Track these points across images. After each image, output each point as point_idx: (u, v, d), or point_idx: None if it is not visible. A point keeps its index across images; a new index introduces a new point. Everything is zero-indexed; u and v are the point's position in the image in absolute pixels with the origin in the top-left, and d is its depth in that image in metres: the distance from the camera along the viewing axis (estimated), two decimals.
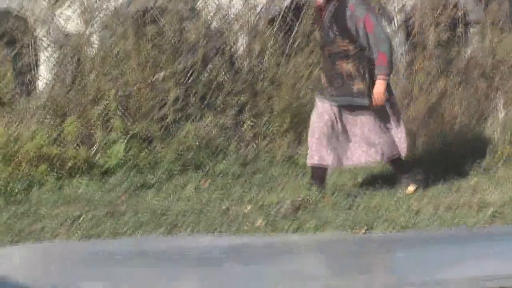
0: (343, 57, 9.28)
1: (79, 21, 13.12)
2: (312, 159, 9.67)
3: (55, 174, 10.49)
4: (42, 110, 11.62)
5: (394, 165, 9.96)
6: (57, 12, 13.28)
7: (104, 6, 13.06)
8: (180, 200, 9.86)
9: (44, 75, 12.73)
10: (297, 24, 13.30)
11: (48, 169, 10.42)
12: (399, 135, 9.67)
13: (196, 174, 10.82)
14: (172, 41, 12.47)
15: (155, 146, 11.27)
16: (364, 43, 9.18)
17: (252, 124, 11.87)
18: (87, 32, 12.88)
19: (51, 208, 9.43)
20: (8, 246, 8.12)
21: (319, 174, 9.75)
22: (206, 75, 12.34)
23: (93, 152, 10.88)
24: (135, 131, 11.25)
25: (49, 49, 12.88)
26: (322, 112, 9.44)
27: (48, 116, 11.41)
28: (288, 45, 13.17)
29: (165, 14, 12.78)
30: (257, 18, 13.46)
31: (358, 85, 9.18)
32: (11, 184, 10.08)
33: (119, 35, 12.61)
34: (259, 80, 12.61)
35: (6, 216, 9.22)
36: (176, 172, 10.81)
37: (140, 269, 7.45)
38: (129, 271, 7.35)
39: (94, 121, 11.28)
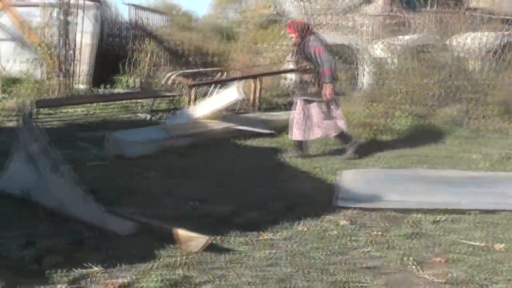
0: (304, 71, 9.04)
1: (383, 51, 13.42)
2: (291, 135, 9.33)
3: (369, 133, 10.62)
4: (363, 98, 11.96)
5: (340, 137, 9.39)
6: (373, 45, 13.67)
7: (397, 43, 13.32)
8: (437, 149, 9.78)
9: (364, 81, 13.17)
10: (504, 54, 13.12)
11: (366, 130, 10.61)
12: (339, 119, 9.20)
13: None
14: (434, 62, 12.52)
15: (424, 119, 11.34)
16: (316, 62, 8.83)
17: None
18: (389, 56, 13.18)
19: (367, 151, 9.56)
20: (345, 170, 8.23)
21: (297, 144, 9.31)
22: (449, 82, 12.27)
23: (389, 122, 11.02)
24: (412, 112, 11.38)
25: (367, 65, 13.25)
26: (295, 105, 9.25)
27: (366, 102, 11.72)
28: (498, 65, 12.98)
29: (434, 47, 12.87)
30: (481, 50, 13.34)
31: (311, 89, 8.92)
32: None
33: (407, 58, 12.78)
34: (481, 84, 12.46)
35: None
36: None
37: (413, 184, 7.41)
38: (409, 186, 7.30)
39: (390, 105, 11.46)
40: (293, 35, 9.14)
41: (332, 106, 9.13)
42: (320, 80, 8.82)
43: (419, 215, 6.16)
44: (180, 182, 7.41)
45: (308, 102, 9.04)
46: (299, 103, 9.15)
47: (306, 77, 9.01)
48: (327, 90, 8.75)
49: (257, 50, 18.63)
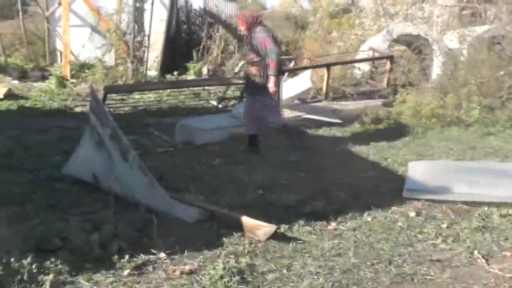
0: (251, 64, 8.51)
1: (456, 42, 13.20)
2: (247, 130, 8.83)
3: (440, 124, 10.48)
4: (434, 89, 11.76)
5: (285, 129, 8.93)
6: (444, 36, 13.44)
7: (470, 34, 13.13)
8: (508, 142, 9.41)
9: (436, 72, 13.00)
10: None
11: (436, 121, 10.47)
12: (278, 113, 8.70)
13: None
14: (509, 53, 12.18)
15: (495, 111, 11.07)
16: (263, 54, 8.33)
17: None
18: (461, 47, 12.94)
19: (437, 142, 9.38)
20: (414, 161, 7.99)
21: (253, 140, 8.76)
22: None
23: (461, 113, 10.82)
24: (483, 103, 11.12)
25: (439, 56, 13.04)
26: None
27: (437, 93, 11.51)
28: None
29: (505, 39, 12.54)
30: None
31: (257, 81, 8.39)
32: (415, 128, 10.26)
33: (478, 50, 12.49)
34: None
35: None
36: (508, 126, 10.41)
37: (483, 177, 6.96)
38: (479, 178, 6.87)
39: (461, 97, 11.25)
40: (241, 27, 8.81)
41: (275, 100, 8.70)
42: (265, 73, 8.47)
43: (489, 208, 6.00)
44: (246, 170, 7.43)
45: (254, 94, 8.66)
46: (249, 97, 8.85)
47: (253, 69, 8.59)
48: (270, 82, 8.39)
49: (329, 39, 18.59)
